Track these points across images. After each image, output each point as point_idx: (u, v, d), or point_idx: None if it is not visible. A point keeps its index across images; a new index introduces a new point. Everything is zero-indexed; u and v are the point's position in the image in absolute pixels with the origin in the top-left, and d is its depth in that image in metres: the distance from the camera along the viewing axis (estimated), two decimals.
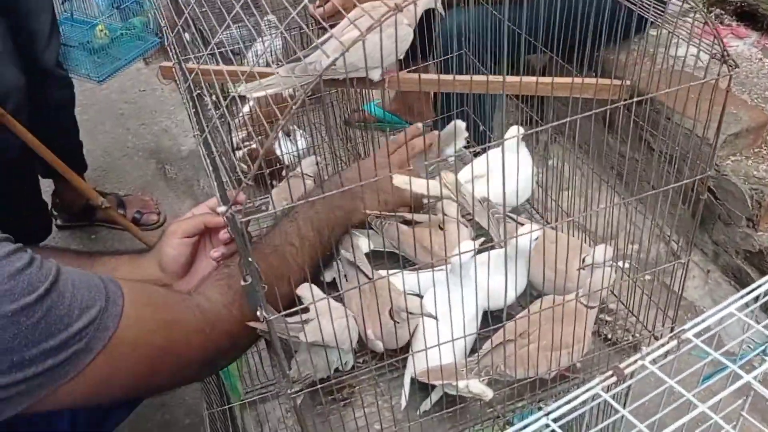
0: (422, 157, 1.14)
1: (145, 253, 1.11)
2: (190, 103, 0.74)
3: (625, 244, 1.12)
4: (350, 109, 1.65)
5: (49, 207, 2.42)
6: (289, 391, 0.86)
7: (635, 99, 0.80)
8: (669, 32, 0.85)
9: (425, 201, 1.18)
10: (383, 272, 1.03)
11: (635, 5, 0.88)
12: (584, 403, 0.80)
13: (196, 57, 0.96)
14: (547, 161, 1.31)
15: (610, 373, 0.83)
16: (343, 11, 0.88)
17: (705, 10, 0.74)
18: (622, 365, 0.83)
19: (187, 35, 0.96)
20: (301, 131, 1.81)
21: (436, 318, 0.90)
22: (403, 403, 0.99)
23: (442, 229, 1.10)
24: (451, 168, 1.23)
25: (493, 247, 1.11)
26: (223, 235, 1.06)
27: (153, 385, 0.91)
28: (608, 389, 0.81)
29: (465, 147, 1.34)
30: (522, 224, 1.10)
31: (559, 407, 0.77)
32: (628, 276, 1.08)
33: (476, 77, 1.04)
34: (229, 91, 1.72)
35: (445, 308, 0.90)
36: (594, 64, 1.08)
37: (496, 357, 0.95)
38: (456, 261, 0.94)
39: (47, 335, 0.75)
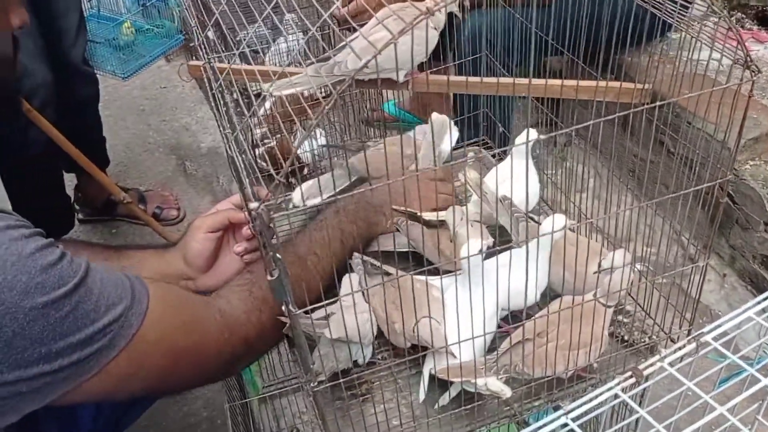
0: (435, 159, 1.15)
1: (170, 248, 1.13)
2: (221, 102, 0.76)
3: (642, 248, 1.12)
4: (369, 108, 1.66)
5: (72, 201, 2.46)
6: (311, 386, 0.88)
7: (658, 103, 0.81)
8: (692, 36, 0.86)
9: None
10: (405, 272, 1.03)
11: (659, 10, 0.89)
12: (603, 403, 0.81)
13: (226, 56, 0.98)
14: (564, 162, 1.32)
15: (629, 374, 0.84)
16: (370, 10, 0.89)
17: (728, 15, 0.75)
18: (640, 367, 0.84)
19: (211, 34, 0.98)
20: (320, 130, 1.83)
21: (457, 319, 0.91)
22: (422, 397, 1.00)
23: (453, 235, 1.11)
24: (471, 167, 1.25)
25: (511, 247, 1.12)
26: (246, 231, 1.08)
27: (171, 384, 0.93)
28: (626, 390, 0.82)
29: (485, 147, 1.35)
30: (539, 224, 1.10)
31: (578, 406, 0.78)
32: (645, 278, 1.08)
33: (502, 79, 1.05)
34: (253, 89, 1.74)
35: (463, 306, 0.92)
36: (614, 67, 1.09)
37: (514, 356, 0.96)
38: (463, 263, 0.96)
39: (75, 329, 0.77)
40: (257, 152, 1.76)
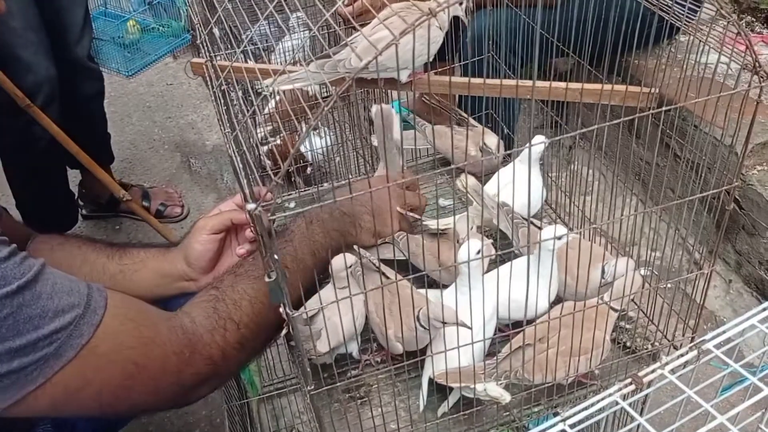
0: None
1: (173, 248, 1.12)
2: (222, 101, 0.75)
3: (647, 253, 1.11)
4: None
5: (76, 197, 2.46)
6: (308, 388, 0.87)
7: (664, 108, 0.80)
8: (700, 40, 0.85)
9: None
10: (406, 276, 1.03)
11: (667, 13, 0.88)
12: (602, 409, 0.80)
13: (228, 54, 0.97)
14: (569, 165, 1.31)
15: (629, 380, 0.83)
16: (373, 10, 0.88)
17: (737, 19, 0.74)
18: (641, 373, 0.83)
19: (216, 32, 0.98)
20: (325, 128, 1.83)
21: (470, 328, 0.91)
22: (422, 405, 0.99)
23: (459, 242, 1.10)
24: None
25: (512, 252, 1.11)
26: (249, 233, 1.07)
27: (127, 402, 0.86)
28: (626, 397, 0.81)
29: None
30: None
31: (576, 413, 0.77)
32: (649, 284, 1.07)
33: (506, 81, 1.04)
34: (257, 89, 1.74)
35: (461, 312, 0.91)
36: (620, 69, 1.07)
37: (514, 361, 0.95)
38: (462, 265, 0.95)
39: (14, 333, 0.73)
40: (263, 150, 1.75)
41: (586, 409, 0.78)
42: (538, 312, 0.98)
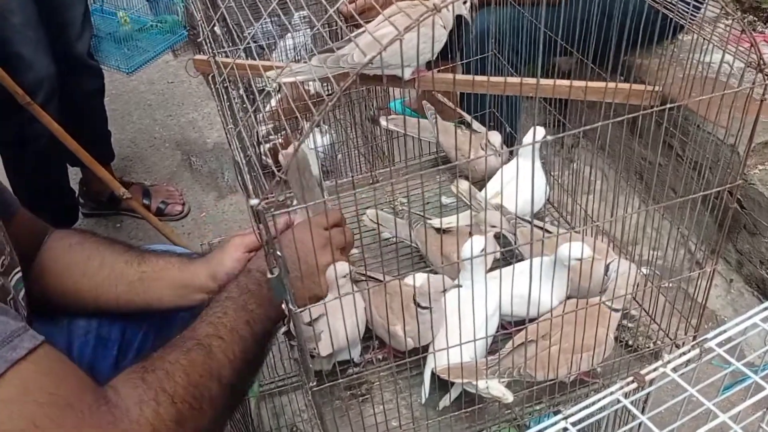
0: None
1: (196, 259, 1.09)
2: (225, 97, 0.75)
3: (649, 251, 1.11)
4: (375, 107, 1.66)
5: (76, 195, 2.46)
6: (310, 384, 0.87)
7: (668, 105, 0.80)
8: (704, 38, 0.85)
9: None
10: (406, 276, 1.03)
11: (671, 11, 0.87)
12: (603, 407, 0.80)
13: (230, 51, 0.97)
14: (571, 164, 1.31)
15: (631, 379, 0.82)
16: (377, 6, 0.88)
17: (741, 17, 0.73)
18: (643, 372, 0.83)
19: (218, 29, 0.97)
20: (326, 127, 1.82)
21: (458, 315, 0.90)
22: (424, 397, 0.99)
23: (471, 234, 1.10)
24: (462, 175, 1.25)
25: (512, 252, 1.11)
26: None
27: None
28: (627, 395, 0.81)
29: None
30: (549, 232, 1.10)
31: (578, 411, 0.77)
32: (651, 283, 1.07)
33: (510, 79, 1.04)
34: (258, 86, 1.73)
35: (463, 307, 0.91)
36: (623, 68, 1.07)
37: (517, 357, 0.95)
38: (464, 261, 0.95)
39: None
40: (262, 149, 1.75)
41: (588, 407, 0.78)
42: (543, 310, 0.98)
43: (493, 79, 1.14)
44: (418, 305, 0.95)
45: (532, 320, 0.96)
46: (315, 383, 0.87)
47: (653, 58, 1.23)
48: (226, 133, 0.80)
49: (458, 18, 1.20)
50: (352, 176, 1.34)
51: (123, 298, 1.06)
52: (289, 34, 2.13)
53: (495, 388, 0.93)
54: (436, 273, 1.13)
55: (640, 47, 1.02)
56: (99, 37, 3.25)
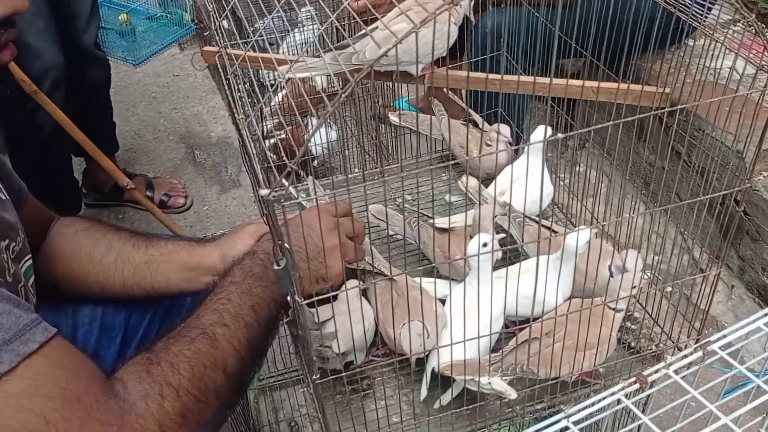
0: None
1: (206, 243, 1.08)
2: (236, 88, 0.75)
3: (652, 256, 1.11)
4: (381, 105, 1.66)
5: (80, 185, 2.46)
6: (312, 378, 0.87)
7: (679, 107, 0.80)
8: (716, 41, 0.85)
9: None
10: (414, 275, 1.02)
11: (685, 14, 0.87)
12: (605, 407, 0.80)
13: (241, 44, 0.97)
14: (574, 166, 1.31)
15: (633, 379, 0.83)
16: (394, 0, 0.88)
17: (756, 22, 0.73)
18: (645, 373, 0.83)
19: (225, 23, 0.98)
20: (331, 123, 1.83)
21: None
22: (423, 394, 0.99)
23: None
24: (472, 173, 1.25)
25: (517, 250, 1.12)
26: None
27: None
28: (629, 396, 0.81)
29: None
30: (555, 231, 1.10)
31: (580, 410, 0.78)
32: (655, 286, 1.08)
33: (523, 78, 1.04)
34: (269, 79, 1.73)
35: (469, 307, 0.91)
36: (631, 70, 1.07)
37: (520, 354, 0.96)
38: (471, 261, 0.95)
39: None
40: (267, 143, 1.75)
41: (590, 406, 0.78)
42: (548, 309, 0.98)
43: (506, 77, 1.14)
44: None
45: (536, 319, 0.96)
46: (318, 376, 0.87)
47: (663, 62, 1.23)
48: (235, 125, 0.80)
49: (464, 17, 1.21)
50: (362, 171, 1.34)
51: (130, 281, 1.06)
52: (296, 30, 2.14)
53: (498, 383, 0.93)
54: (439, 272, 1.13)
55: (651, 50, 1.02)
56: (106, 28, 3.25)
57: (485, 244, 0.93)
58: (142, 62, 3.32)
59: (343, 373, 0.93)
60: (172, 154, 2.80)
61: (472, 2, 1.16)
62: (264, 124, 1.78)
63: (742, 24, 0.81)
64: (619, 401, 0.80)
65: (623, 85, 0.95)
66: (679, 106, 0.80)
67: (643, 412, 0.98)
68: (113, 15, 3.38)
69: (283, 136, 1.99)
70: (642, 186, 1.68)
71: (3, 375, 0.68)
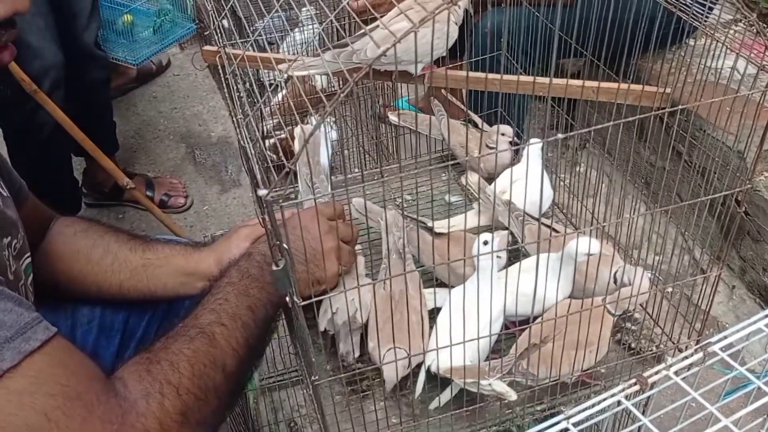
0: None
1: (202, 247, 1.09)
2: (234, 87, 0.75)
3: (653, 256, 1.11)
4: (381, 104, 1.65)
5: (79, 185, 2.46)
6: (312, 378, 0.87)
7: (680, 107, 0.80)
8: (717, 42, 0.85)
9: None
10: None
11: (686, 14, 0.87)
12: (605, 409, 0.80)
13: (240, 43, 0.97)
14: (575, 166, 1.30)
15: (633, 381, 0.82)
16: (393, 1, 0.88)
17: (758, 22, 0.73)
18: (645, 374, 0.83)
19: (225, 23, 0.97)
20: (332, 121, 1.82)
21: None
22: (417, 392, 0.98)
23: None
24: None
25: (518, 249, 1.11)
26: None
27: None
28: (629, 397, 0.81)
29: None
30: (556, 231, 1.10)
31: (580, 411, 0.77)
32: (655, 287, 1.07)
33: (522, 78, 1.04)
34: (268, 78, 1.73)
35: (468, 306, 0.90)
36: (632, 70, 1.07)
37: (519, 359, 0.95)
38: (475, 262, 0.94)
39: None
40: (267, 143, 1.75)
41: (589, 408, 0.78)
42: (547, 307, 0.98)
43: (505, 77, 1.14)
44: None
45: (535, 317, 0.95)
46: (317, 377, 0.87)
47: (664, 62, 1.23)
48: (234, 124, 0.80)
49: (465, 15, 1.20)
50: (361, 172, 1.34)
51: (126, 284, 1.06)
52: (296, 29, 2.14)
53: (498, 385, 0.92)
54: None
55: (652, 50, 1.02)
56: (106, 28, 3.25)
57: (486, 243, 0.93)
58: (143, 62, 3.31)
59: (342, 374, 0.92)
60: (173, 154, 2.80)
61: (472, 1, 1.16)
62: (263, 123, 1.78)
63: (744, 24, 0.80)
64: (619, 403, 0.80)
65: (623, 85, 0.95)
66: (680, 107, 0.80)
67: (643, 413, 0.98)
68: (113, 15, 3.37)
69: (283, 135, 1.98)
70: (643, 186, 1.68)
71: (5, 372, 0.68)
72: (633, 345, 1.08)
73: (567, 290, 1.01)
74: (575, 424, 0.76)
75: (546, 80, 0.99)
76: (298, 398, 1.63)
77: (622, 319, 1.06)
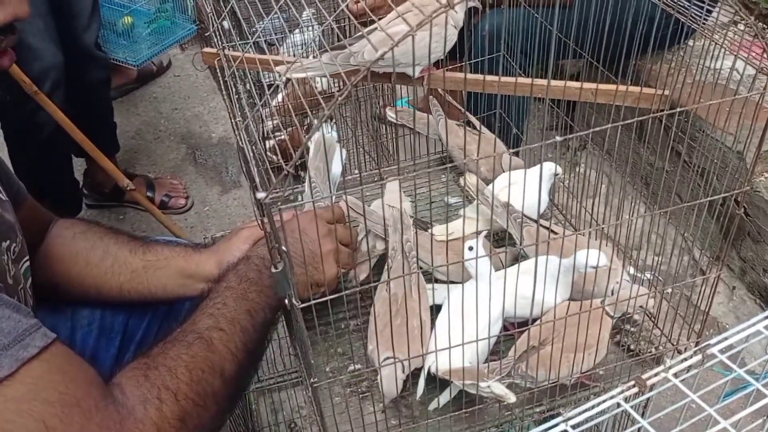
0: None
1: (203, 249, 1.08)
2: (233, 90, 0.75)
3: (653, 257, 1.11)
4: (381, 105, 1.66)
5: (80, 186, 2.46)
6: (311, 381, 0.87)
7: (678, 109, 0.80)
8: (715, 43, 0.85)
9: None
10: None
11: (684, 16, 0.87)
12: (604, 411, 0.80)
13: (239, 45, 0.97)
14: (576, 167, 1.30)
15: (632, 383, 0.82)
16: (391, 4, 0.88)
17: (755, 24, 0.73)
18: (644, 376, 0.83)
19: (226, 24, 0.97)
20: (330, 123, 1.82)
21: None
22: (419, 393, 0.99)
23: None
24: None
25: (517, 252, 1.11)
26: None
27: None
28: (628, 399, 0.81)
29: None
30: (555, 232, 1.10)
31: (579, 414, 0.77)
32: (654, 288, 1.07)
33: (520, 80, 1.04)
34: (267, 80, 1.73)
35: (467, 310, 0.90)
36: (631, 72, 1.07)
37: (518, 362, 0.95)
38: (468, 267, 0.94)
39: None
40: (267, 145, 1.75)
41: (589, 410, 0.78)
42: (545, 310, 0.98)
43: (503, 79, 1.14)
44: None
45: (534, 320, 0.95)
46: (316, 379, 0.87)
47: (663, 63, 1.23)
48: (233, 127, 0.80)
49: (467, 15, 1.20)
50: (360, 173, 1.34)
51: (126, 286, 1.06)
52: (297, 30, 2.14)
53: (497, 387, 0.92)
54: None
55: (651, 52, 1.02)
56: (107, 29, 3.25)
57: (471, 248, 0.93)
58: (143, 63, 3.31)
59: (341, 376, 0.92)
60: (173, 155, 2.80)
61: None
62: (263, 125, 1.78)
63: (743, 25, 0.81)
64: (618, 405, 0.80)
65: (622, 87, 0.95)
66: (678, 109, 0.80)
67: (642, 415, 0.98)
68: (114, 15, 3.37)
69: (283, 137, 1.98)
70: (642, 186, 1.68)
71: (3, 380, 0.68)
72: (632, 347, 1.08)
73: (566, 294, 1.01)
74: (574, 427, 0.76)
75: (544, 82, 0.99)
76: (299, 399, 1.63)
77: (621, 321, 1.06)
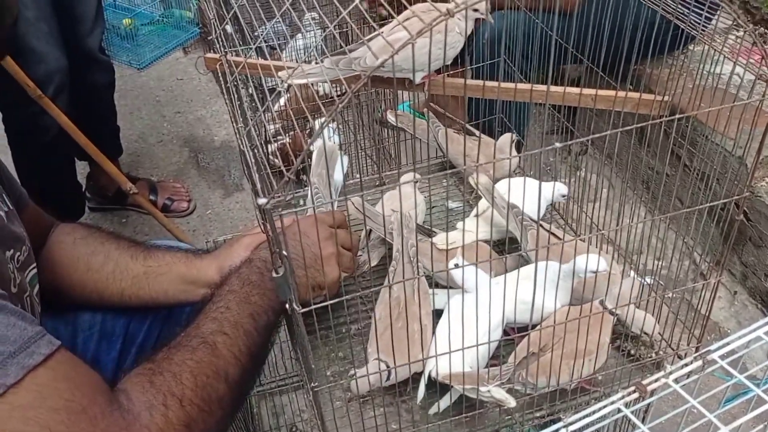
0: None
1: (204, 255, 1.09)
2: (235, 95, 0.76)
3: (653, 261, 1.11)
4: (383, 109, 1.66)
5: (83, 189, 2.47)
6: (311, 385, 0.87)
7: (677, 116, 0.80)
8: (714, 50, 0.85)
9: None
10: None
11: (684, 22, 0.88)
12: (604, 416, 0.80)
13: (242, 50, 0.97)
14: (578, 172, 1.31)
15: (633, 388, 0.83)
16: (392, 12, 0.88)
17: (753, 32, 0.73)
18: (644, 382, 0.83)
19: (229, 28, 0.98)
20: (333, 127, 1.83)
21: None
22: (419, 397, 0.99)
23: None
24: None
25: (520, 255, 1.11)
26: None
27: None
28: (628, 405, 0.81)
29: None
30: (557, 237, 1.10)
31: (579, 419, 0.78)
32: (655, 293, 1.07)
33: (520, 85, 1.04)
34: (269, 85, 1.74)
35: (467, 317, 0.91)
36: (632, 78, 1.07)
37: (519, 368, 0.95)
38: (455, 275, 0.94)
39: None
40: (269, 149, 1.76)
41: (588, 415, 0.78)
42: (545, 315, 0.98)
43: (503, 84, 1.14)
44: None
45: (534, 325, 0.95)
46: (316, 383, 0.87)
47: (663, 68, 1.23)
48: (235, 132, 0.80)
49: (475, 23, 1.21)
50: (360, 178, 1.34)
51: (128, 292, 1.06)
52: (299, 35, 2.14)
53: (497, 392, 0.93)
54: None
55: (651, 57, 1.02)
56: (111, 32, 3.27)
57: (456, 266, 0.93)
58: (147, 66, 3.33)
59: (342, 380, 0.92)
60: (176, 158, 2.81)
61: (486, 4, 1.16)
62: (266, 130, 1.79)
63: (743, 31, 0.81)
64: (618, 410, 0.80)
65: (621, 93, 0.95)
66: (678, 116, 0.80)
67: (643, 420, 0.98)
68: (117, 19, 3.39)
69: (287, 141, 1.99)
70: (643, 190, 1.68)
71: (9, 387, 0.68)
72: (632, 352, 1.08)
73: (566, 299, 1.01)
74: None
75: (543, 88, 1.00)
76: (300, 403, 1.63)
77: (621, 325, 1.06)
